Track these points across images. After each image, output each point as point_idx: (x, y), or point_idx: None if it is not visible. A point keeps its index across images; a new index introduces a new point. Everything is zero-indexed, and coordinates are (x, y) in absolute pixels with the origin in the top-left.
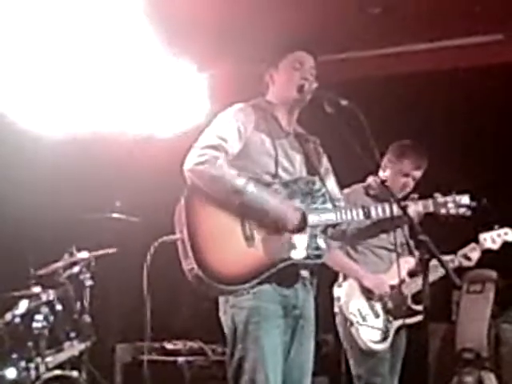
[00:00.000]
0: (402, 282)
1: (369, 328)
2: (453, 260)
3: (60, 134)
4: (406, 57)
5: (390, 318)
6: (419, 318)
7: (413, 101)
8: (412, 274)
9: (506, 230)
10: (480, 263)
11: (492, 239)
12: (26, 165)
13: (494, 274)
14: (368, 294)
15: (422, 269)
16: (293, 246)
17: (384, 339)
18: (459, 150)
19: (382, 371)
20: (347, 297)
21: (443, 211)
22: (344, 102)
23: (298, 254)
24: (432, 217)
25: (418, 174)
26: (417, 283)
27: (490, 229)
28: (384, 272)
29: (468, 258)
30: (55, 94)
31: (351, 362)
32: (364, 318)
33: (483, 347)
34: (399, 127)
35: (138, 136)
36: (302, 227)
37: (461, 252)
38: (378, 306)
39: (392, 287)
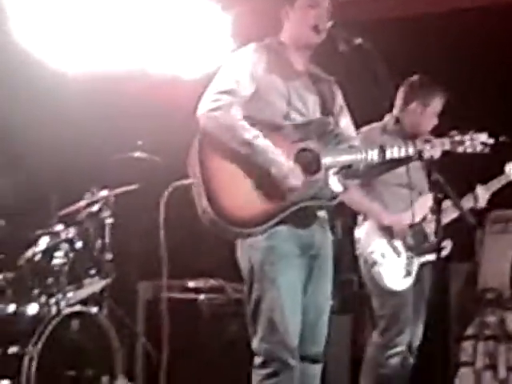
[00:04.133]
0: (424, 219)
1: (390, 267)
2: (468, 199)
3: (84, 73)
4: None
5: (412, 255)
6: (443, 253)
7: (427, 42)
8: (434, 211)
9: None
10: (504, 203)
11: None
12: (51, 103)
13: None
14: (387, 232)
15: (435, 208)
16: (308, 188)
17: (406, 277)
18: (478, 88)
19: (405, 311)
20: (367, 237)
21: (460, 149)
22: (358, 41)
23: (312, 195)
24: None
25: (440, 107)
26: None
27: None
28: (404, 210)
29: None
30: (82, 31)
31: (374, 302)
32: (385, 257)
33: (506, 287)
34: (412, 68)
35: (162, 76)
36: (315, 171)
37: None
38: (399, 244)
39: (412, 225)
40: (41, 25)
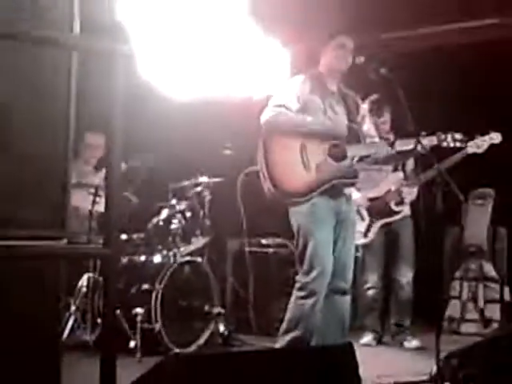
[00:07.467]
0: (388, 191)
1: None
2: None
3: (190, 98)
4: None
5: (373, 219)
6: (398, 216)
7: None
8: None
9: (492, 135)
10: (482, 183)
11: (477, 145)
12: (163, 125)
13: (492, 191)
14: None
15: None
16: (337, 171)
17: (365, 235)
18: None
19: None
20: None
21: (444, 144)
22: (383, 71)
23: (340, 176)
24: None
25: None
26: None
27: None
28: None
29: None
30: (189, 62)
31: None
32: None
33: (484, 243)
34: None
35: (240, 98)
36: (344, 155)
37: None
38: (363, 211)
39: (377, 198)
40: (158, 57)
